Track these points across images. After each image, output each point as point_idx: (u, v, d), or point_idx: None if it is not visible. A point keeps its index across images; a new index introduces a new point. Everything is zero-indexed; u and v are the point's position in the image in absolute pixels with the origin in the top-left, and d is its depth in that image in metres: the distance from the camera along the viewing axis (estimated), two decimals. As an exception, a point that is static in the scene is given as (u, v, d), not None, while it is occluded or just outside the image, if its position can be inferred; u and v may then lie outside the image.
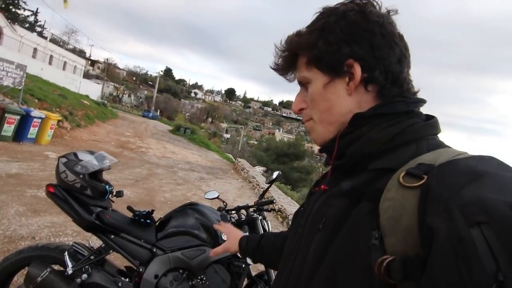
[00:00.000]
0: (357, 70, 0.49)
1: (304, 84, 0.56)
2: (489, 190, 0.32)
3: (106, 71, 42.09)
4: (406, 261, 0.35)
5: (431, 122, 0.49)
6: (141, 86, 60.58)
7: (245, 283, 1.90)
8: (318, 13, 0.53)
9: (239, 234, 0.98)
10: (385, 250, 0.38)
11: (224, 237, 1.73)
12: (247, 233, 1.94)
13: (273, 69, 0.59)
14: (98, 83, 34.00)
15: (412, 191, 0.38)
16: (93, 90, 27.03)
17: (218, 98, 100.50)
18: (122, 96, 46.70)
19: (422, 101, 0.52)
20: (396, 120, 0.48)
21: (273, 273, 1.89)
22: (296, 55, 0.55)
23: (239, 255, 1.84)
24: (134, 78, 62.91)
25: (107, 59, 46.38)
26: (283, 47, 0.56)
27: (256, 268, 2.39)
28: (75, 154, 1.70)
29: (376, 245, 0.39)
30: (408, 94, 0.51)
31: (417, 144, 0.46)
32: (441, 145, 0.47)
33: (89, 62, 47.11)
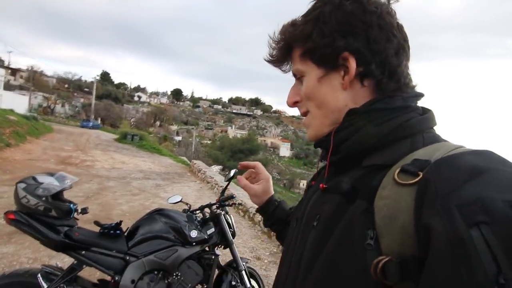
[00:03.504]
0: (352, 64, 0.47)
1: (298, 77, 0.54)
2: (488, 188, 0.32)
3: (32, 80, 37.45)
4: (402, 262, 0.35)
5: (427, 116, 0.47)
6: (75, 94, 55.28)
7: (217, 272, 2.11)
8: (314, 1, 0.51)
9: (270, 191, 0.85)
10: (380, 251, 0.37)
11: (192, 234, 1.92)
12: (229, 222, 2.14)
13: (267, 61, 0.57)
14: (24, 94, 30.24)
15: (408, 188, 0.37)
16: (19, 102, 24.05)
17: (164, 100, 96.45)
18: (54, 106, 42.20)
19: (420, 95, 0.50)
20: (392, 115, 0.46)
21: (240, 260, 2.13)
22: (290, 47, 0.53)
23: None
24: (66, 86, 57.07)
25: (31, 67, 41.27)
26: (277, 37, 0.54)
27: (225, 257, 2.60)
28: (34, 178, 1.71)
29: (371, 245, 0.38)
30: (405, 88, 0.49)
31: (412, 139, 0.45)
32: (437, 139, 0.45)
33: (9, 71, 41.46)
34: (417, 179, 0.37)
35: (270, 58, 0.56)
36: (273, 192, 0.87)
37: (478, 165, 0.34)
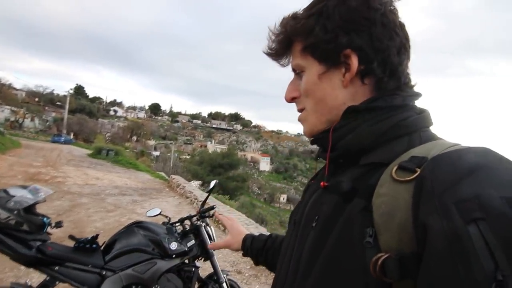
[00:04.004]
0: (354, 62, 0.46)
1: (297, 72, 0.53)
2: (485, 185, 0.32)
3: (-1, 93, 35.57)
4: (401, 258, 0.35)
5: (423, 115, 0.48)
6: (47, 108, 52.89)
7: (197, 285, 2.08)
8: None
9: (242, 231, 0.90)
10: (379, 248, 0.37)
11: (172, 246, 1.90)
12: (210, 233, 2.12)
13: (266, 54, 0.55)
14: (-11, 108, 28.52)
15: (405, 185, 0.37)
16: (-17, 116, 22.59)
17: (142, 115, 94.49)
18: (23, 120, 40.06)
19: (418, 95, 0.50)
20: (390, 114, 0.46)
21: (221, 273, 2.11)
22: (290, 40, 0.52)
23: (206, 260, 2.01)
24: (36, 99, 54.60)
25: (-1, 79, 39.18)
26: (277, 30, 0.52)
27: (205, 270, 2.56)
28: (5, 191, 1.65)
29: (370, 243, 0.38)
30: (405, 87, 0.49)
31: (409, 137, 0.45)
32: (434, 137, 0.45)
33: (-27, 83, 39.06)
34: (414, 176, 0.37)
35: (269, 51, 0.55)
36: (245, 232, 0.89)
37: (475, 162, 0.34)
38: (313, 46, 0.49)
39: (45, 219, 1.73)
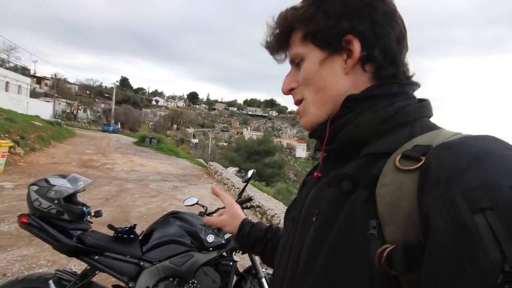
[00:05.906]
0: (356, 47, 0.46)
1: (296, 63, 0.52)
2: (493, 173, 0.30)
3: (56, 87, 39.16)
4: (407, 250, 0.33)
5: (424, 104, 0.47)
6: (96, 100, 57.36)
7: (235, 279, 1.99)
8: None
9: (240, 214, 0.84)
10: (384, 240, 0.36)
11: (209, 239, 1.81)
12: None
13: (265, 47, 0.56)
14: (48, 101, 31.72)
15: (410, 174, 0.36)
16: (44, 109, 25.19)
17: (181, 104, 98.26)
18: (77, 112, 43.87)
19: (417, 85, 0.50)
20: (390, 102, 0.45)
21: (260, 266, 2.00)
22: (289, 31, 0.51)
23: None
24: (88, 92, 59.38)
25: (55, 75, 43.11)
26: (276, 23, 0.52)
27: (243, 265, 2.48)
28: (46, 180, 1.66)
29: (374, 235, 0.37)
30: (403, 76, 0.49)
31: (411, 126, 0.44)
32: (435, 126, 0.45)
33: (35, 79, 43.57)
34: (419, 165, 0.36)
35: (268, 43, 0.54)
36: (244, 216, 0.84)
37: (482, 149, 0.33)
38: (314, 32, 0.48)
39: (84, 208, 1.73)
